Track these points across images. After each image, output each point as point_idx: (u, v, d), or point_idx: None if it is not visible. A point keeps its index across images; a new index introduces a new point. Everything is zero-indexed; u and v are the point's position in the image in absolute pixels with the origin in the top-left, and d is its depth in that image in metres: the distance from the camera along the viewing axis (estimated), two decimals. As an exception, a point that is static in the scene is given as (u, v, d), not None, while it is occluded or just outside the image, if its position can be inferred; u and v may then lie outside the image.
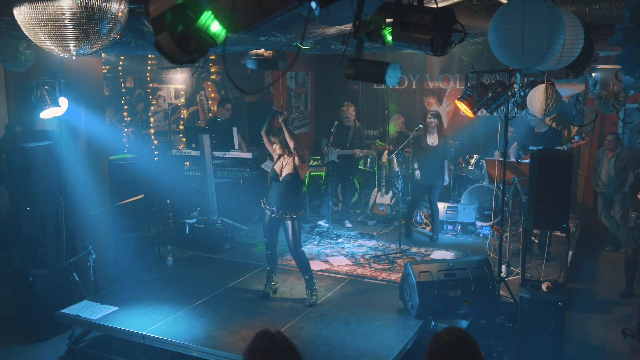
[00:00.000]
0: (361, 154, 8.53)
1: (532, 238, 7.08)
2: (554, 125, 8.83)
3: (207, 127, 8.57)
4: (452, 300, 5.30)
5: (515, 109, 5.64)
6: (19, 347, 5.56)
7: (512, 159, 7.24)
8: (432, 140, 7.70)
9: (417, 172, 7.74)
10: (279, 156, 5.76)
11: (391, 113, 9.60)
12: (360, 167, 8.91)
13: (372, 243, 7.87)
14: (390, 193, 8.80)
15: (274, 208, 5.70)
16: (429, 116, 7.66)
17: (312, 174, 9.10)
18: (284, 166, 5.69)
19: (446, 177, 7.76)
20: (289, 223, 5.68)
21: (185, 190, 8.61)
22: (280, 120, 5.65)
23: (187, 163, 8.65)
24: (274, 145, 5.72)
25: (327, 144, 8.44)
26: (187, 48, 1.83)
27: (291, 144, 5.60)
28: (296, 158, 5.63)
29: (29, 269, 5.71)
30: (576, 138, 8.20)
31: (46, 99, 5.69)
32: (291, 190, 5.69)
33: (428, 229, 8.35)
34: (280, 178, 5.66)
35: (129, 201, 6.63)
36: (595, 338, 5.87)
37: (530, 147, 7.22)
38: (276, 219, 5.75)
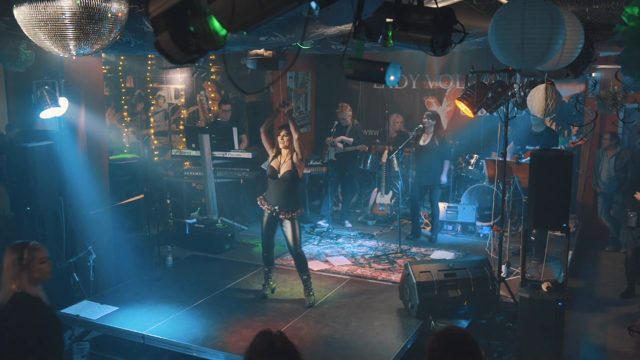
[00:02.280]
0: (356, 144, 8.48)
1: (531, 237, 7.07)
2: (553, 125, 8.84)
3: (207, 127, 8.58)
4: (452, 300, 5.30)
5: (515, 109, 5.64)
6: (19, 347, 5.56)
7: (508, 158, 7.25)
8: (424, 139, 7.70)
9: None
10: (276, 154, 5.70)
11: (389, 114, 9.60)
12: (360, 167, 8.91)
13: (372, 243, 7.87)
14: (390, 193, 8.80)
15: (276, 207, 5.63)
16: (424, 117, 7.68)
17: (312, 173, 9.09)
18: (282, 164, 5.62)
19: (443, 177, 7.70)
20: (289, 222, 5.62)
21: (185, 190, 8.62)
22: (285, 111, 5.60)
23: (187, 163, 8.66)
24: (278, 138, 5.61)
25: (330, 143, 8.43)
26: (187, 48, 1.83)
27: (295, 135, 5.53)
28: (294, 154, 5.58)
29: (29, 269, 5.71)
30: (574, 138, 8.20)
31: (46, 99, 5.69)
32: (291, 189, 5.64)
33: (428, 229, 8.35)
34: (279, 175, 5.60)
35: (129, 201, 6.64)
36: (595, 338, 5.87)
37: (527, 147, 7.22)
38: (275, 218, 5.69)
